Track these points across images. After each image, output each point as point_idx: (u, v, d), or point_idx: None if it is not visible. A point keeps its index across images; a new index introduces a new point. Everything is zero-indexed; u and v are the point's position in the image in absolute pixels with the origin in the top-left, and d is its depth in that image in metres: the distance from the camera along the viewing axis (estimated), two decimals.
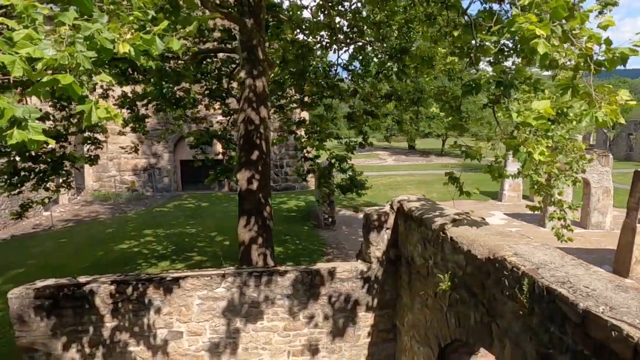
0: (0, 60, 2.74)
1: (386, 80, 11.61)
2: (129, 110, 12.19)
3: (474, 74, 10.33)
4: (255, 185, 7.75)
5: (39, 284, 5.85)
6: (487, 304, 3.53)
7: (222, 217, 18.55)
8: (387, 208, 6.29)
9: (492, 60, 8.51)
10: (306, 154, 12.67)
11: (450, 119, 7.61)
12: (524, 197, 21.99)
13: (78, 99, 2.91)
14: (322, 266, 6.25)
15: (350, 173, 12.18)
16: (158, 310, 5.86)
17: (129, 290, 5.77)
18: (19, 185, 9.57)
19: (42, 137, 2.83)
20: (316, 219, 18.42)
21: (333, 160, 12.42)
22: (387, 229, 6.23)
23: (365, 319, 6.36)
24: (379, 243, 6.24)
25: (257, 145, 7.75)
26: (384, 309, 6.39)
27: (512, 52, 8.57)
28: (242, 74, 7.66)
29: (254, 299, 6.04)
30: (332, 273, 6.17)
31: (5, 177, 9.40)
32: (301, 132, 13.55)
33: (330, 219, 16.91)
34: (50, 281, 5.93)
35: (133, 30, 3.00)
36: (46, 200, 10.62)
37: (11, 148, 2.90)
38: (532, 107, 3.16)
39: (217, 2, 7.32)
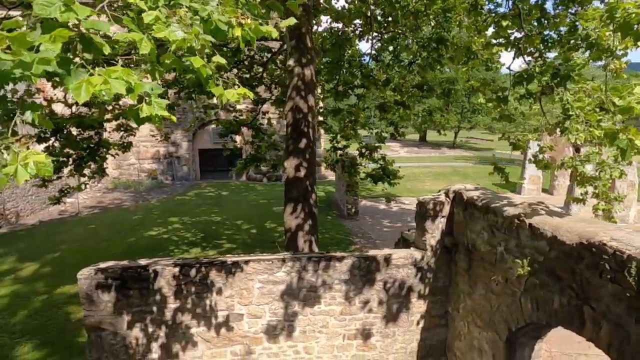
0: (130, 38, 2.85)
1: (421, 70, 11.61)
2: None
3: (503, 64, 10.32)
4: (302, 173, 7.84)
5: (102, 265, 5.98)
6: (577, 288, 3.61)
7: (244, 206, 18.71)
8: (442, 197, 6.36)
9: (532, 51, 8.49)
10: (336, 144, 12.77)
11: (499, 109, 7.65)
12: (544, 190, 22.01)
13: (204, 80, 3.02)
14: (379, 253, 6.36)
15: (382, 163, 12.25)
16: (220, 293, 5.99)
17: (193, 272, 5.90)
18: (57, 170, 9.75)
19: (165, 113, 2.93)
20: (337, 209, 18.53)
21: (363, 150, 12.49)
22: (443, 217, 6.31)
23: (419, 305, 6.48)
24: (434, 231, 6.33)
25: (304, 133, 7.82)
26: (436, 295, 6.50)
27: (555, 43, 8.54)
28: (291, 62, 7.71)
29: (312, 284, 6.17)
30: (387, 260, 6.28)
31: None
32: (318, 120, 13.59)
33: (353, 209, 17.01)
34: (111, 263, 6.06)
35: (251, 17, 3.09)
36: (82, 186, 10.81)
37: (137, 123, 3.01)
38: (635, 92, 3.21)
39: None
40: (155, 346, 6.01)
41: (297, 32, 7.68)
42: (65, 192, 10.46)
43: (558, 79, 6.39)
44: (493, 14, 7.81)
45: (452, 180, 25.36)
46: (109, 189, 21.76)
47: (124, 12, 2.99)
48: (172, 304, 5.95)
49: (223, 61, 3.19)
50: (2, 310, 9.11)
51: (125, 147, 11.24)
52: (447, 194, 6.34)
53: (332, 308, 6.29)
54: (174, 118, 2.98)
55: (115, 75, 2.74)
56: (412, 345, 6.57)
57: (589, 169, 8.69)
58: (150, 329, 5.97)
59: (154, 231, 14.49)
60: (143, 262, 6.10)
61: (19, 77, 2.38)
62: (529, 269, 4.13)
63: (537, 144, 10.56)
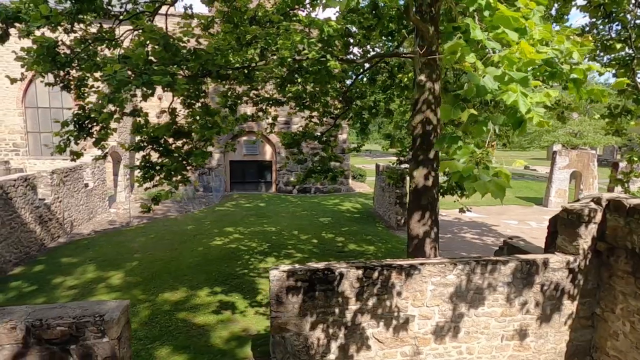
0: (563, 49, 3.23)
1: None
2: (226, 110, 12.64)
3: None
4: (431, 181, 8.21)
5: (282, 267, 6.18)
6: None
7: (288, 217, 18.88)
8: (591, 204, 6.81)
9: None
10: (402, 158, 13.30)
11: (616, 124, 8.22)
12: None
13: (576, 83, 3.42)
14: (538, 256, 6.74)
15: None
16: (397, 295, 6.26)
17: (375, 275, 6.17)
18: (151, 178, 9.97)
19: (544, 120, 3.28)
20: (382, 220, 18.89)
21: None
22: (595, 223, 6.76)
23: (569, 306, 6.86)
24: (587, 236, 6.76)
25: (433, 144, 8.21)
26: (585, 297, 6.90)
27: None
28: (422, 77, 8.14)
29: (478, 286, 6.49)
30: (545, 263, 6.67)
31: (141, 170, 9.79)
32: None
33: (402, 220, 17.39)
34: (286, 267, 6.25)
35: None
36: (169, 194, 10.96)
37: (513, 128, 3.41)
38: None
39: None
40: (334, 347, 6.22)
41: (429, 50, 8.13)
42: (158, 199, 10.62)
43: None
44: (606, 37, 8.43)
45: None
46: (145, 200, 21.62)
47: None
48: (353, 306, 6.18)
49: (595, 67, 3.58)
50: None
51: (205, 156, 11.48)
52: (596, 202, 6.80)
53: (494, 310, 6.61)
54: (549, 125, 3.35)
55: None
56: (561, 345, 6.93)
57: None
58: (330, 330, 6.18)
59: (219, 241, 14.56)
60: (318, 265, 6.33)
61: (491, 90, 2.74)
62: None
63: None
